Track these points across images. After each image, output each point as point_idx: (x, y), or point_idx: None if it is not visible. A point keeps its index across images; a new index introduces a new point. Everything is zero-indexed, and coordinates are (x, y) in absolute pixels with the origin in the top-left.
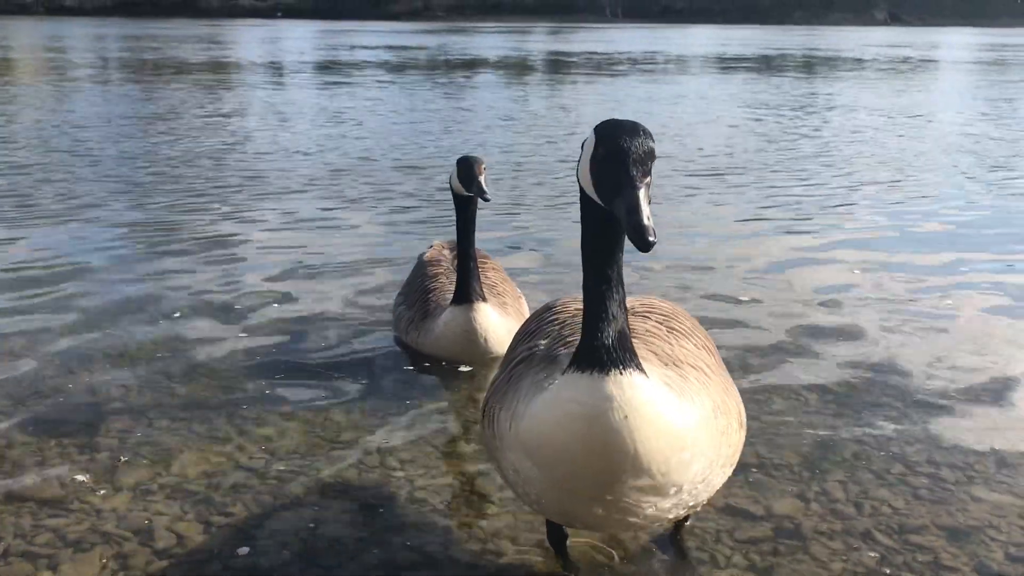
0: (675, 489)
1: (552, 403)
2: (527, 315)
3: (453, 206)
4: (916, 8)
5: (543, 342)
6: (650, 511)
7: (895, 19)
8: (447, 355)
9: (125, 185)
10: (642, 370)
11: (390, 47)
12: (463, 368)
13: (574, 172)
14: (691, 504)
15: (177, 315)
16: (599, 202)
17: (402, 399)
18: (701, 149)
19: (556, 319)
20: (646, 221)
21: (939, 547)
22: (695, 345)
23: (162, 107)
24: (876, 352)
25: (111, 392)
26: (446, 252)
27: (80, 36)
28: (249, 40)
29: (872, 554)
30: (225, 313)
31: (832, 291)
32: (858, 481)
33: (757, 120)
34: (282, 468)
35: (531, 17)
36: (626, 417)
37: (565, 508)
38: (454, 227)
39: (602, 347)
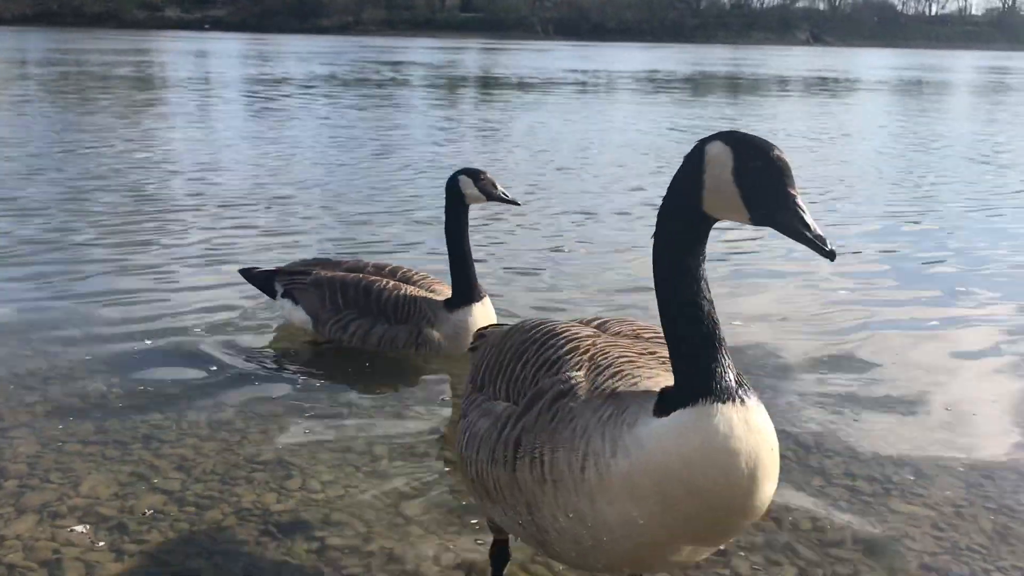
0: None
1: (693, 437)
2: None
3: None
4: (836, 29)
5: (576, 374)
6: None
7: (816, 39)
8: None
9: (40, 209)
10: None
11: (321, 63)
12: (385, 387)
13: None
14: None
15: (92, 338)
16: (746, 218)
17: (324, 418)
18: (623, 167)
19: (578, 347)
20: (823, 232)
21: (857, 559)
22: None
23: (84, 129)
24: (794, 368)
25: (19, 417)
26: (360, 276)
27: None
28: (177, 53)
29: (792, 568)
30: (141, 336)
31: (757, 310)
32: (779, 494)
33: (678, 144)
34: (200, 492)
35: (462, 34)
36: (772, 449)
37: (638, 555)
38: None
39: (732, 376)
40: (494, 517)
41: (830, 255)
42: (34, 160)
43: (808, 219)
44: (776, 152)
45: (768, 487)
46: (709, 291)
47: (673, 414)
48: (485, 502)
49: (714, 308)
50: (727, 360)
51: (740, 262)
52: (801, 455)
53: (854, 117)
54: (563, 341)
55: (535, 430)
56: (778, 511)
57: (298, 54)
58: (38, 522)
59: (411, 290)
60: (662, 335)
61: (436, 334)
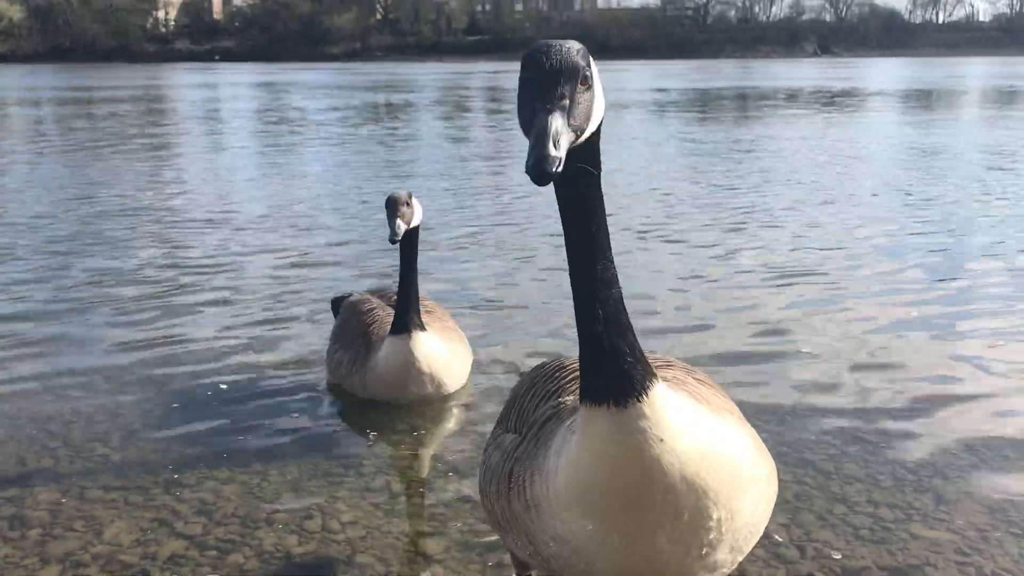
0: (730, 516)
1: (582, 446)
2: (469, 348)
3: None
4: (843, 40)
5: (568, 399)
6: (718, 554)
7: (824, 51)
8: (389, 392)
9: (59, 254)
10: (659, 380)
11: (331, 92)
12: (402, 424)
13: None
14: (743, 550)
15: (112, 384)
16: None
17: (341, 457)
18: (634, 197)
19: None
20: (550, 147)
21: None
22: (721, 396)
23: (104, 172)
24: (812, 392)
25: (42, 463)
26: (368, 296)
27: (8, 88)
28: (189, 88)
29: None
30: (161, 381)
31: (773, 332)
32: (800, 523)
33: (694, 169)
34: (221, 536)
35: (469, 57)
36: (662, 440)
37: (625, 564)
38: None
39: (612, 373)
40: (513, 550)
41: (536, 173)
42: (51, 203)
43: (544, 131)
44: (527, 58)
45: (673, 481)
46: (604, 262)
47: (572, 419)
48: (503, 534)
49: (607, 289)
50: (617, 353)
51: (753, 281)
52: (821, 482)
53: (883, 129)
54: (567, 373)
55: (524, 458)
56: (799, 539)
57: (309, 84)
58: (61, 572)
59: (383, 317)
60: (672, 364)
61: (362, 369)
